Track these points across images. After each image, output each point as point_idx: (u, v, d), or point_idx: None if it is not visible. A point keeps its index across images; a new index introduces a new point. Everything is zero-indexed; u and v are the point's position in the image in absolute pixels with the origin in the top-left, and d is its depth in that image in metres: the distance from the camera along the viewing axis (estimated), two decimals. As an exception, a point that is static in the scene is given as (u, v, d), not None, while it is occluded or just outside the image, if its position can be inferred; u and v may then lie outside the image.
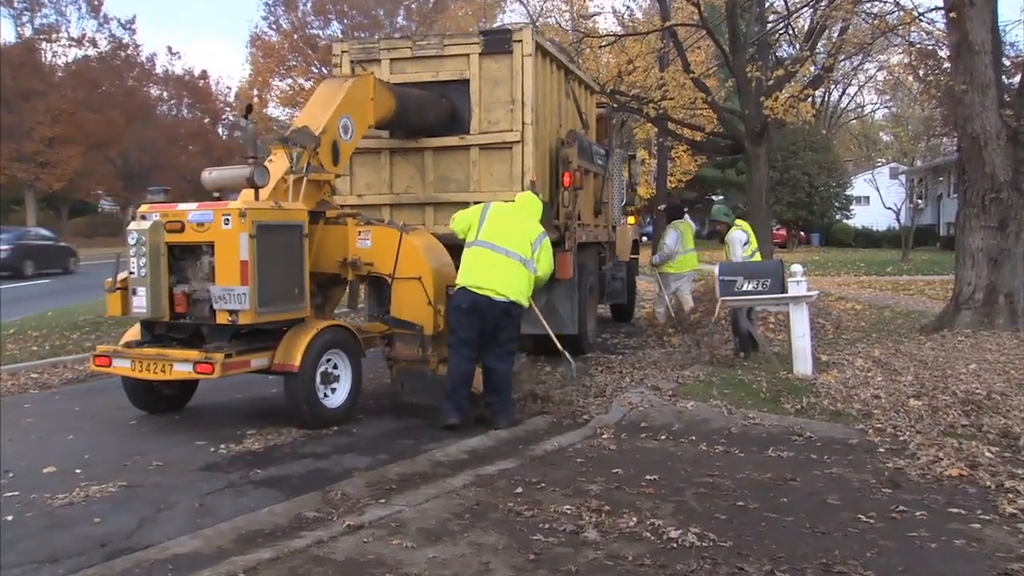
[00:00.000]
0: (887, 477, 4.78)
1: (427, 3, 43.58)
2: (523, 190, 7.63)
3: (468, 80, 8.32)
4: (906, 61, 23.04)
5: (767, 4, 16.26)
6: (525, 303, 6.36)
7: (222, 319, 5.96)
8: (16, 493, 4.83)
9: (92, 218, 49.72)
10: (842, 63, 22.39)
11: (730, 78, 17.54)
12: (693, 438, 5.72)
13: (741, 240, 9.10)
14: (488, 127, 8.31)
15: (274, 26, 43.58)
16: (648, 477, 4.81)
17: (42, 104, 37.98)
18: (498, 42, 8.27)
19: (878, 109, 49.98)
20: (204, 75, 53.36)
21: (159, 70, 50.02)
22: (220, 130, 53.97)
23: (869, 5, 14.63)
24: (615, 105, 14.90)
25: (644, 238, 21.95)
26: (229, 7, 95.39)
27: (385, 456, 5.59)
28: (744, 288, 7.65)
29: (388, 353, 6.97)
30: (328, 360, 6.39)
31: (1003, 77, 10.59)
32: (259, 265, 5.91)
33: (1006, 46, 16.01)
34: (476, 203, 7.00)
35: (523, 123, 8.20)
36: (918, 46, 16.46)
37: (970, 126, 9.35)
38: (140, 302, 6.07)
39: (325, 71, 35.97)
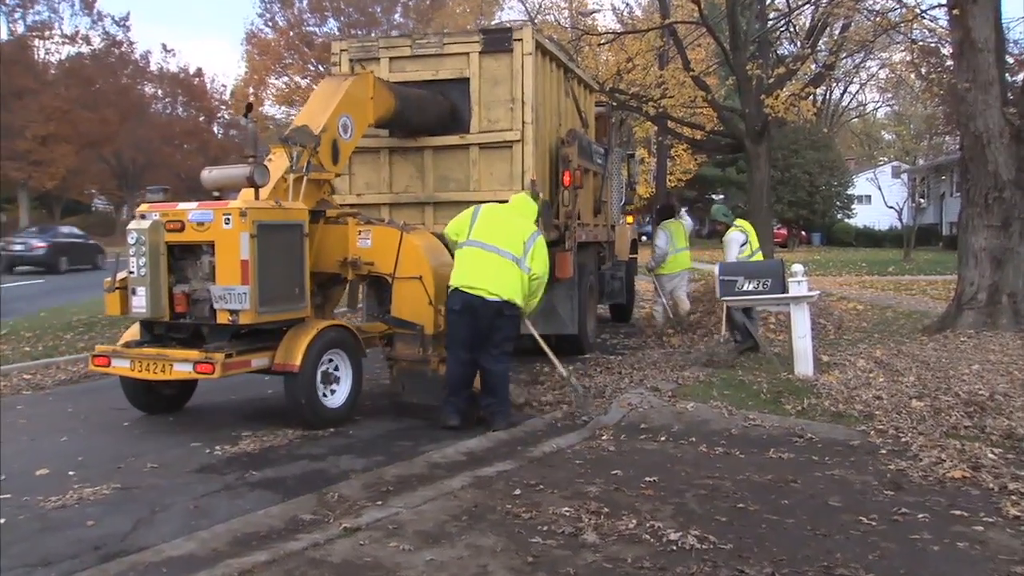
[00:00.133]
0: (889, 479, 4.74)
1: (424, 0, 43.50)
2: (523, 189, 7.60)
3: (468, 79, 8.28)
4: (908, 59, 22.98)
5: (768, 1, 16.18)
6: (520, 302, 6.28)
7: (222, 319, 5.94)
8: (8, 496, 4.79)
9: (85, 217, 49.27)
10: (843, 61, 22.35)
11: (730, 76, 17.44)
12: (693, 439, 5.69)
13: (738, 241, 9.08)
14: (488, 126, 8.27)
15: (270, 23, 43.42)
16: (648, 479, 4.78)
17: (35, 102, 37.55)
18: (498, 41, 8.24)
19: (880, 107, 49.84)
20: (199, 73, 53.08)
21: (153, 68, 49.68)
22: (215, 128, 53.77)
23: (871, 2, 14.59)
24: (614, 103, 14.84)
25: (643, 238, 21.88)
26: (224, 4, 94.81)
27: (382, 457, 5.56)
28: (745, 288, 7.64)
29: (388, 353, 6.94)
30: (329, 360, 6.37)
31: (1006, 75, 10.53)
32: (260, 265, 5.89)
33: (1009, 43, 15.88)
34: (476, 202, 6.95)
35: (523, 122, 8.16)
36: (920, 43, 16.41)
37: (973, 124, 9.30)
38: (140, 302, 6.05)
39: (321, 69, 35.91)
